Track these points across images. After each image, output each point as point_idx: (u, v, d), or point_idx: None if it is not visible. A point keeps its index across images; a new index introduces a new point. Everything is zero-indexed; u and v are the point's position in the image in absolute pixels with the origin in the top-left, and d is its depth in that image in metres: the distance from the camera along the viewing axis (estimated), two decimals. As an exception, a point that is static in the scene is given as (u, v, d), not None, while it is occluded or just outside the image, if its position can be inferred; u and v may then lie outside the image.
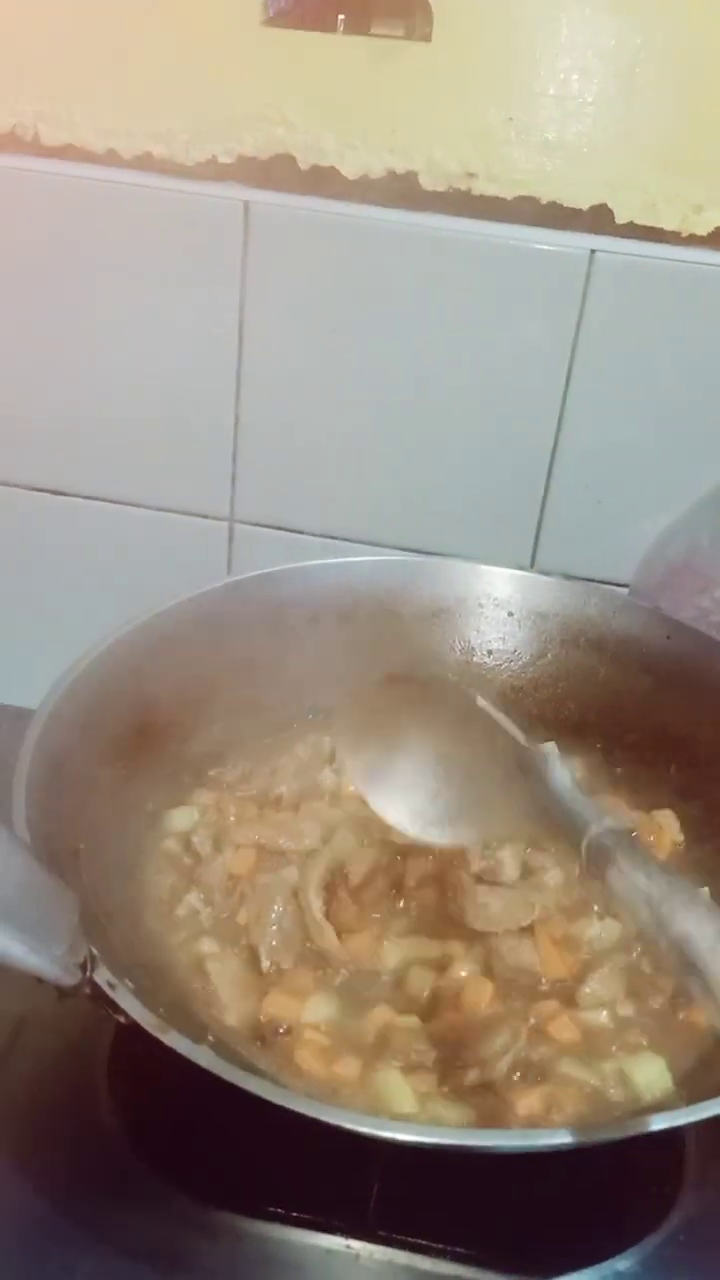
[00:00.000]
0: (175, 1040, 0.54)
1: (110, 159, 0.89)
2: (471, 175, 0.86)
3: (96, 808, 0.71)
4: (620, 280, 0.86)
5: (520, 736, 0.72)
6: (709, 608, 0.86)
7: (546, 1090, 0.62)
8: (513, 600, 0.88)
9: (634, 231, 0.86)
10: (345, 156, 0.87)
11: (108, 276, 0.91)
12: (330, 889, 0.71)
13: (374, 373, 0.92)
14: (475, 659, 0.89)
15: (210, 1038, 0.60)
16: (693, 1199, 0.66)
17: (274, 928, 0.69)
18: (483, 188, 0.86)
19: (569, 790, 0.68)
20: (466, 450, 0.94)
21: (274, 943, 0.69)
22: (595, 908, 0.73)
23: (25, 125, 0.89)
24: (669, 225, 0.86)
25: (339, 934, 0.70)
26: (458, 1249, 0.62)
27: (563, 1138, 0.53)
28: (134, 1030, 0.55)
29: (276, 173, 0.88)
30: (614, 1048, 0.66)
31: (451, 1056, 0.64)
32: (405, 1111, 0.61)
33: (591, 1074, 0.64)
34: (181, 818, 0.78)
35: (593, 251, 0.86)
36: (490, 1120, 0.61)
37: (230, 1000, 0.66)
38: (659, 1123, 0.55)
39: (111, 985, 0.56)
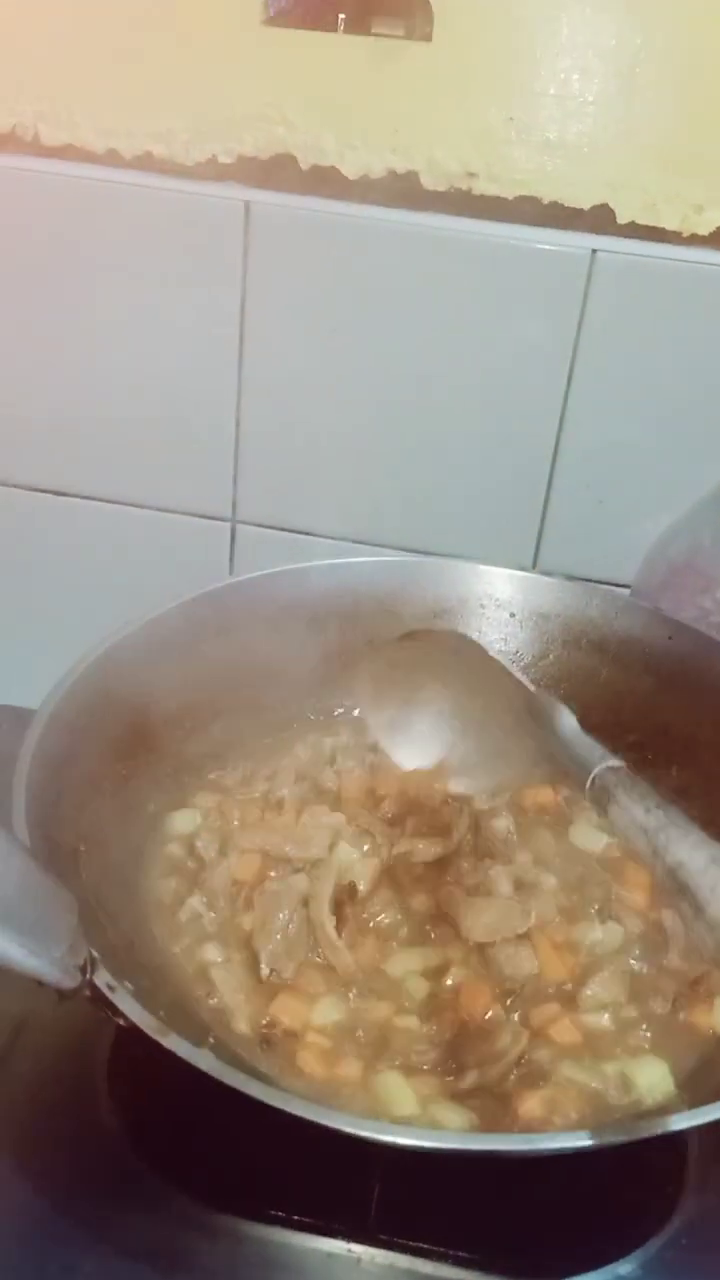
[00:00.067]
0: (175, 1043, 0.54)
1: (110, 159, 0.89)
2: (472, 175, 0.86)
3: (97, 809, 0.71)
4: (621, 280, 0.86)
5: (528, 684, 0.75)
6: (710, 608, 0.86)
7: (548, 1093, 0.62)
8: (514, 601, 0.88)
9: (635, 231, 0.86)
10: (346, 156, 0.87)
11: (108, 276, 0.91)
12: (338, 904, 0.71)
13: (375, 373, 0.92)
14: (477, 660, 0.89)
15: (211, 1040, 0.60)
16: (694, 1202, 0.66)
17: (278, 936, 0.69)
18: (484, 187, 0.86)
19: (574, 733, 0.72)
20: (468, 450, 0.94)
21: (276, 950, 0.68)
22: (595, 909, 0.73)
23: (25, 125, 0.89)
24: (670, 225, 0.86)
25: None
26: (459, 1252, 0.62)
27: (580, 1140, 0.53)
28: (134, 1031, 0.55)
29: (277, 173, 0.88)
30: (616, 1050, 0.66)
31: (452, 1058, 0.64)
32: (406, 1113, 0.61)
33: (593, 1076, 0.64)
34: (184, 820, 0.78)
35: (594, 251, 0.86)
36: (491, 1122, 0.61)
37: (235, 1005, 0.66)
38: (678, 1123, 0.54)
39: (111, 988, 0.56)
